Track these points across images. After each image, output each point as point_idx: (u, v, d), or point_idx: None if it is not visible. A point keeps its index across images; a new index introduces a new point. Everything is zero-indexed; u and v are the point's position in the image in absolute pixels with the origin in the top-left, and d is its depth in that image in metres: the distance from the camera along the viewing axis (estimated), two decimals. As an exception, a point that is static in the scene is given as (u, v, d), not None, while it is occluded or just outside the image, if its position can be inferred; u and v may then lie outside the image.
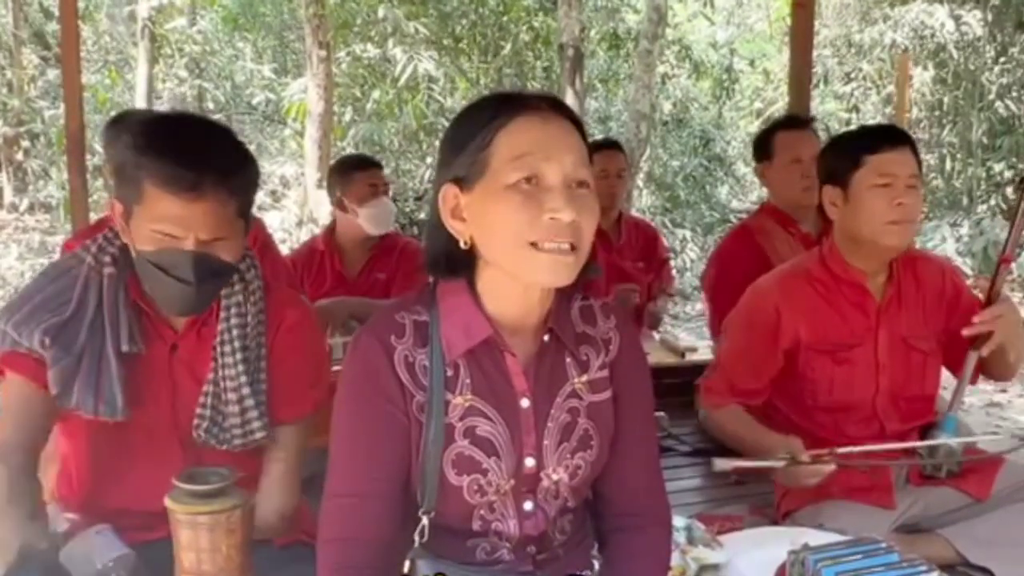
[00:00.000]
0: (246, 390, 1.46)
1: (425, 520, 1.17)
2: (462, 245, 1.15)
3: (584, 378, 1.23)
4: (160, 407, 1.47)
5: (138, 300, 1.45)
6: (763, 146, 2.85)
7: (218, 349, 1.46)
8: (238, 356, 1.46)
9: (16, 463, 1.38)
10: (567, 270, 1.10)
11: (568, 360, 1.23)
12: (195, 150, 1.36)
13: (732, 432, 1.95)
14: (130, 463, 1.47)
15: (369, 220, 3.05)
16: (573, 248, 1.10)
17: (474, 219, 1.13)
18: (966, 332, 1.89)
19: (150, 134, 1.37)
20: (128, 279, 1.45)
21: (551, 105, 1.16)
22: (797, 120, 2.91)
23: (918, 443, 1.92)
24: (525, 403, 1.20)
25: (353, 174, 3.08)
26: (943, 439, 1.90)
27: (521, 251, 1.09)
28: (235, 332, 1.47)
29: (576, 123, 1.17)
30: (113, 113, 3.45)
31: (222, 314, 1.47)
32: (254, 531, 1.32)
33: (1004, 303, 1.90)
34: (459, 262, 1.17)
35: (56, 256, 1.57)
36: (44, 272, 1.50)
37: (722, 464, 1.70)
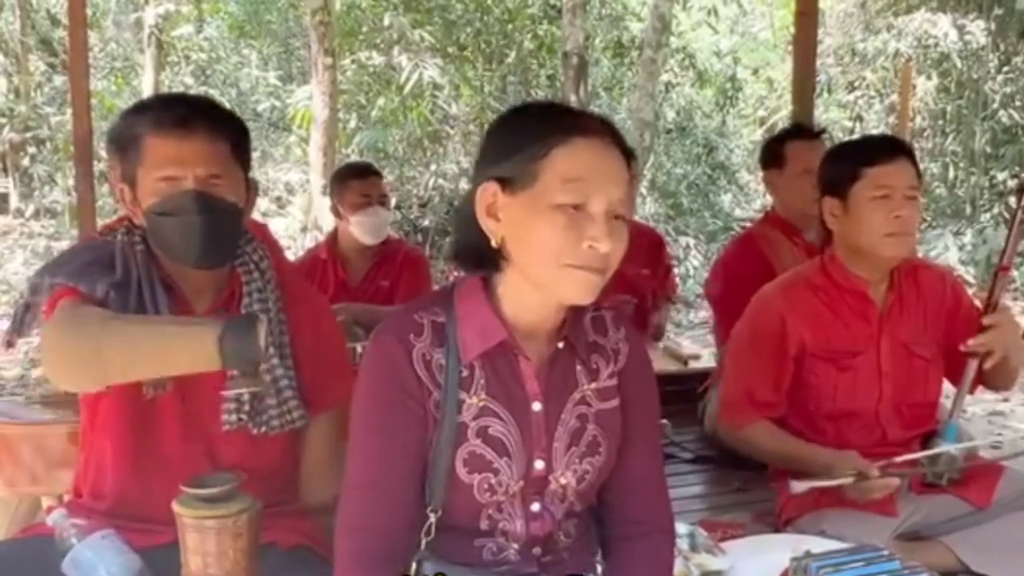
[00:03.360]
0: (280, 371, 1.49)
1: (432, 518, 1.19)
2: (493, 244, 1.16)
3: (593, 385, 1.26)
4: (176, 394, 1.48)
5: (165, 278, 1.49)
6: (773, 154, 2.85)
7: None
8: (268, 338, 1.48)
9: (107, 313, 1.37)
10: (593, 288, 1.14)
11: (579, 367, 1.25)
12: (181, 97, 1.56)
13: (772, 449, 1.96)
14: (150, 454, 1.48)
15: (359, 229, 3.06)
16: (601, 272, 1.13)
17: (511, 223, 1.15)
18: (964, 348, 1.90)
19: (145, 99, 1.56)
20: (155, 258, 1.49)
21: (607, 131, 1.17)
22: (809, 131, 2.91)
23: (946, 448, 1.92)
24: (537, 407, 1.22)
25: (349, 182, 3.10)
26: (944, 447, 1.91)
27: (555, 270, 1.12)
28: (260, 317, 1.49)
29: (625, 153, 1.18)
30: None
31: (245, 300, 1.51)
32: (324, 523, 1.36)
33: (1002, 313, 1.90)
34: (486, 259, 1.19)
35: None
36: (77, 246, 1.56)
37: (798, 487, 1.74)
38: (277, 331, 1.52)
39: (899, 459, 1.82)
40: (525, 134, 1.15)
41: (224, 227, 1.46)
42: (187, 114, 1.43)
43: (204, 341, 1.26)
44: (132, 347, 1.31)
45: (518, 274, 1.17)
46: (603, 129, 1.17)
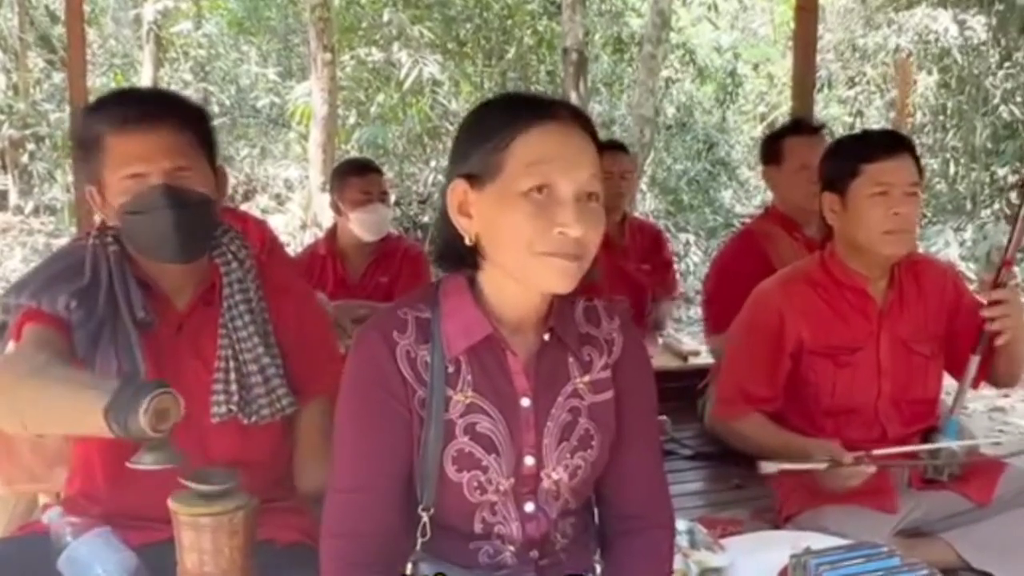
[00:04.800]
0: (266, 359, 1.49)
1: (425, 517, 1.18)
2: (467, 241, 1.15)
3: (586, 378, 1.24)
4: None
5: (142, 277, 1.48)
6: (772, 150, 2.84)
7: (229, 323, 1.49)
8: (251, 328, 1.49)
9: (41, 355, 1.34)
10: (570, 277, 1.12)
11: (570, 360, 1.24)
12: (140, 92, 1.55)
13: (759, 441, 1.94)
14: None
15: (359, 226, 3.06)
16: (577, 258, 1.11)
17: (482, 218, 1.14)
18: (985, 312, 1.87)
19: (102, 96, 1.51)
20: (130, 257, 1.48)
21: (571, 115, 1.16)
22: (807, 126, 2.90)
23: (943, 444, 1.91)
24: (525, 402, 1.21)
25: (349, 179, 3.09)
26: (944, 442, 1.90)
27: (527, 259, 1.11)
28: (242, 307, 1.50)
29: (593, 136, 1.17)
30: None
31: (225, 290, 1.50)
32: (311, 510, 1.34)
33: (1010, 290, 1.89)
34: (464, 257, 1.18)
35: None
36: (51, 255, 1.54)
37: (768, 467, 1.73)
38: (260, 320, 1.52)
39: (896, 450, 1.82)
40: (487, 128, 1.14)
41: (196, 219, 1.45)
42: (147, 108, 1.42)
43: (94, 413, 1.21)
44: (40, 408, 1.30)
45: (496, 269, 1.16)
46: (565, 113, 1.15)
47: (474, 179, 1.14)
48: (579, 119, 1.17)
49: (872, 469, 1.75)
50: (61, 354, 1.39)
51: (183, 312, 1.51)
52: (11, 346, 1.49)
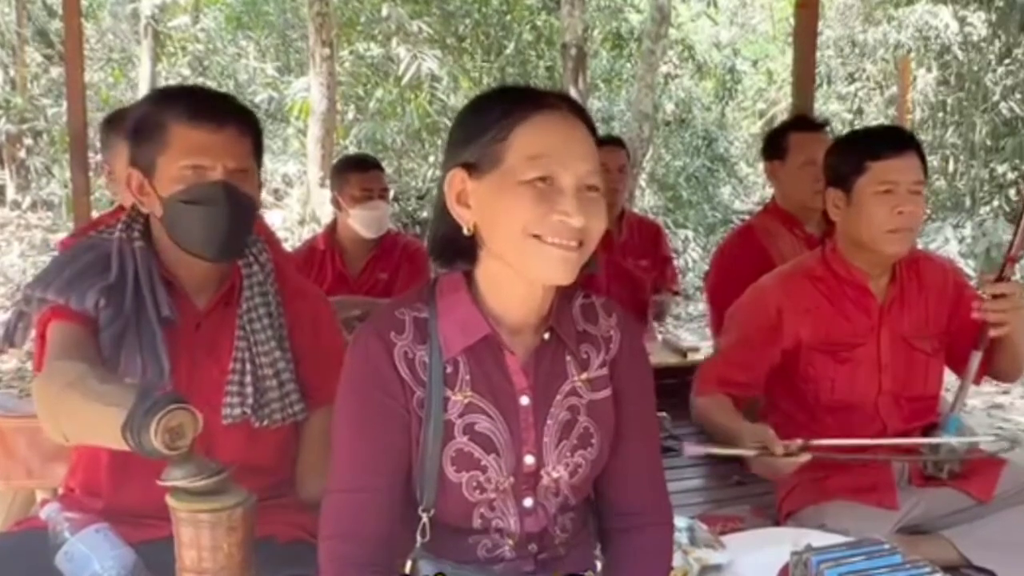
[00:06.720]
0: (281, 364, 1.50)
1: (425, 518, 1.18)
2: (465, 232, 1.14)
3: (584, 376, 1.23)
4: (179, 388, 1.46)
5: (165, 274, 1.48)
6: (776, 145, 2.83)
7: (247, 326, 1.49)
8: (268, 332, 1.49)
9: (78, 364, 1.32)
10: (570, 265, 1.11)
11: (568, 358, 1.23)
12: (208, 91, 1.58)
13: (709, 419, 1.92)
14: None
15: (359, 222, 3.06)
16: (579, 245, 1.11)
17: (480, 207, 1.13)
18: (976, 315, 1.85)
19: (167, 87, 1.54)
20: (156, 254, 1.48)
21: (569, 106, 1.16)
22: (812, 122, 2.90)
23: (919, 440, 1.91)
24: (525, 401, 1.20)
25: (349, 175, 3.08)
26: (944, 438, 1.90)
27: (526, 242, 1.09)
28: (261, 310, 1.51)
29: (590, 126, 1.17)
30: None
31: (245, 292, 1.51)
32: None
33: (1013, 284, 1.88)
34: (462, 250, 1.17)
35: (56, 254, 1.63)
36: (74, 247, 1.53)
37: (693, 449, 1.69)
38: (277, 324, 1.52)
39: (896, 441, 1.81)
40: (486, 118, 1.14)
41: (243, 222, 1.47)
42: (220, 107, 1.45)
43: (118, 431, 1.18)
44: (77, 423, 1.28)
45: (495, 260, 1.15)
46: (563, 103, 1.15)
47: (472, 168, 1.13)
48: (577, 111, 1.17)
49: (806, 458, 1.65)
50: (90, 353, 1.38)
51: (202, 311, 1.51)
52: (32, 338, 1.49)
